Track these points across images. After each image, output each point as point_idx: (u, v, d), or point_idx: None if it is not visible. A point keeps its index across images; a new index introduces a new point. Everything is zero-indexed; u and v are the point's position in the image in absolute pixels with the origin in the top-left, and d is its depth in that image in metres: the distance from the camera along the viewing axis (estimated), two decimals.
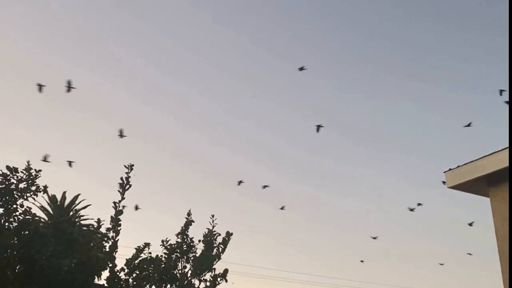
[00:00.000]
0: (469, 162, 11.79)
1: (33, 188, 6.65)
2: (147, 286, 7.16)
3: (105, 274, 6.89)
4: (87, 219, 26.55)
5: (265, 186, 16.18)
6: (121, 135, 11.10)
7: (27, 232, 6.42)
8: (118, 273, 6.95)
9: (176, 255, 7.41)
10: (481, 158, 11.67)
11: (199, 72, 39.39)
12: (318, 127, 14.49)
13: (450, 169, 11.99)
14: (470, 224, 19.39)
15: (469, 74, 41.94)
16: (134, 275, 7.04)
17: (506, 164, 11.24)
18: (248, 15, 37.77)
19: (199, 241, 7.62)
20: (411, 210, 17.77)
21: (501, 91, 14.69)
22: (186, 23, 36.81)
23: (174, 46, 37.46)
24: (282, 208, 17.21)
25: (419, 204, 17.56)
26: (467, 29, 41.23)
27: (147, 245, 7.32)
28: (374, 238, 19.66)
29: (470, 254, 23.89)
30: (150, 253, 7.29)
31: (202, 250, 7.56)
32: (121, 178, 7.15)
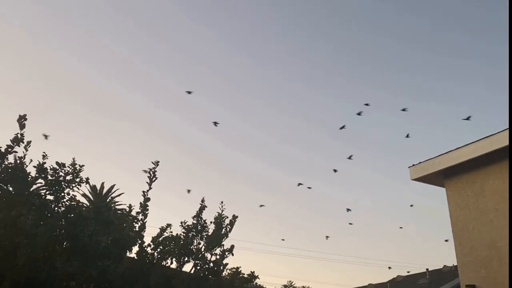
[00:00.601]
0: (429, 159, 11.85)
1: (77, 179, 6.63)
2: (169, 258, 7.18)
3: (135, 249, 6.91)
4: (121, 204, 26.69)
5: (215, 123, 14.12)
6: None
7: (72, 215, 6.42)
8: (145, 248, 6.97)
9: (192, 234, 7.42)
10: (438, 156, 11.72)
11: (210, 85, 39.42)
12: (215, 123, 13.54)
13: (413, 165, 12.06)
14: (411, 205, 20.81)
15: (431, 87, 42.01)
16: (158, 249, 7.06)
17: (458, 160, 11.29)
18: (244, 34, 37.72)
19: (211, 222, 7.63)
20: (299, 184, 17.31)
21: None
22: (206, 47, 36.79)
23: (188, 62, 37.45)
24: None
25: (299, 184, 17.02)
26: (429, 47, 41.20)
27: (169, 225, 7.34)
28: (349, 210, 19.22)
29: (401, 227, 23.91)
30: (171, 232, 7.31)
31: (213, 230, 7.58)
32: (149, 172, 7.16)
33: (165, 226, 7.29)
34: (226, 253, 7.54)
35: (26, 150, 6.35)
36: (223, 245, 7.55)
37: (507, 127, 10.60)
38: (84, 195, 27.68)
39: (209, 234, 7.55)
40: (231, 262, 7.64)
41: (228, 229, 7.64)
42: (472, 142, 11.11)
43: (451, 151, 11.44)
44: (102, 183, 29.87)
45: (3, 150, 6.21)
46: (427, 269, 23.83)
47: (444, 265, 23.38)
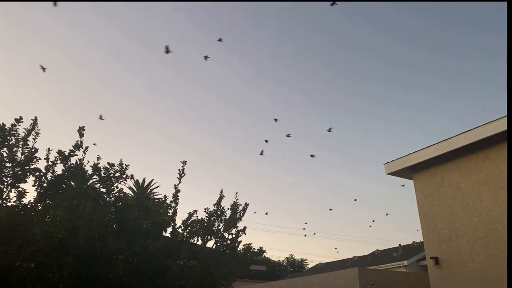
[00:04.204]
0: (400, 157, 11.83)
1: (124, 176, 6.69)
2: (196, 237, 7.19)
3: (169, 230, 6.94)
4: (158, 195, 26.80)
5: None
6: (167, 51, 9.92)
7: (120, 204, 6.49)
8: (177, 229, 6.99)
9: (213, 218, 7.42)
10: (407, 154, 11.70)
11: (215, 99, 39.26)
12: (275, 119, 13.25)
13: (387, 162, 12.04)
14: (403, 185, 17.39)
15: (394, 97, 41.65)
16: (187, 230, 7.08)
17: (424, 158, 11.28)
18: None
19: (228, 208, 7.64)
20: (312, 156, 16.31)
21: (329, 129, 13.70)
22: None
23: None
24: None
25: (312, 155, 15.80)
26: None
27: (195, 211, 7.35)
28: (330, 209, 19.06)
29: (387, 214, 23.90)
30: (197, 216, 7.32)
31: (230, 215, 7.58)
32: (179, 169, 7.18)
33: (192, 212, 7.31)
34: (240, 232, 7.55)
35: (84, 153, 6.46)
36: (237, 226, 7.55)
37: (461, 132, 10.59)
38: (129, 188, 27.85)
39: (227, 218, 7.54)
40: (244, 239, 7.66)
41: (241, 214, 7.64)
42: (434, 144, 11.11)
43: (417, 151, 11.43)
44: (144, 178, 30.06)
45: (66, 153, 6.32)
46: (399, 244, 23.71)
47: (413, 241, 23.20)
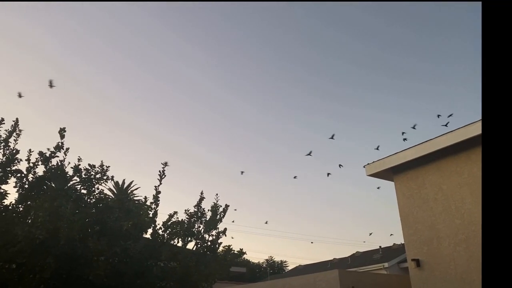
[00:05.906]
0: (380, 159, 12.20)
1: (105, 177, 6.88)
2: (176, 238, 7.31)
3: (150, 231, 7.06)
4: (138, 196, 26.85)
5: None
6: (51, 86, 9.49)
7: (101, 205, 6.69)
8: (157, 231, 7.11)
9: (193, 219, 7.53)
10: (388, 156, 12.05)
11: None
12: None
13: (368, 164, 12.39)
14: (294, 177, 17.64)
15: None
16: (167, 231, 7.20)
17: (404, 160, 11.65)
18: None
19: (208, 210, 7.72)
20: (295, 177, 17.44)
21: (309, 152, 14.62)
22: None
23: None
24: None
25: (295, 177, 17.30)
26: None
27: (175, 213, 7.42)
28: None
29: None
30: (177, 218, 7.41)
31: (210, 216, 7.69)
32: (159, 171, 7.29)
33: (172, 213, 7.40)
34: (220, 234, 7.67)
35: (65, 155, 6.66)
36: (218, 228, 7.67)
37: (442, 133, 11.04)
38: (109, 189, 27.83)
39: (207, 219, 7.65)
40: (224, 241, 7.79)
41: (221, 215, 7.75)
42: (414, 146, 11.48)
43: (397, 152, 11.78)
44: (124, 180, 30.12)
45: (48, 155, 6.52)
46: (380, 246, 24.10)
47: (394, 243, 23.57)
